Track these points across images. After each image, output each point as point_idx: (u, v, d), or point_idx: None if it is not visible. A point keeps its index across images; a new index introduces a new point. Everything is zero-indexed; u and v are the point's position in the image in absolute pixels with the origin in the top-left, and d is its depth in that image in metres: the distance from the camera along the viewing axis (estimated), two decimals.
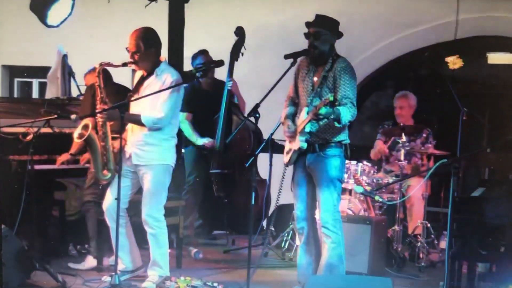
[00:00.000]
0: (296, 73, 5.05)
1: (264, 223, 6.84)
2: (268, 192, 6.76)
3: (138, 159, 5.05)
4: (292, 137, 4.93)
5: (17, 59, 9.21)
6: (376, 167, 6.70)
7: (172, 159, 5.12)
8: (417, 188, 6.49)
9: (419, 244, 6.26)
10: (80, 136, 5.09)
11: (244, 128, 6.77)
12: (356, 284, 4.25)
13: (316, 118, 4.60)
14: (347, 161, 5.46)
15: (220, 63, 5.23)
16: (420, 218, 6.46)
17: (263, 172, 7.01)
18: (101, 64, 5.06)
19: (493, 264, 5.01)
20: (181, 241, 5.92)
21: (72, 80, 6.99)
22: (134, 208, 5.21)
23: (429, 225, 6.43)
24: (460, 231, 4.57)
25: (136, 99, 4.99)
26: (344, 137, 4.89)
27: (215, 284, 4.70)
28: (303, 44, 4.94)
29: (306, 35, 4.91)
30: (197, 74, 5.12)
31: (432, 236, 6.48)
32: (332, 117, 4.57)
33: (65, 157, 5.72)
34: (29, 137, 5.56)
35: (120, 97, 5.24)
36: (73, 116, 5.14)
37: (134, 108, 5.06)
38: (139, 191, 5.18)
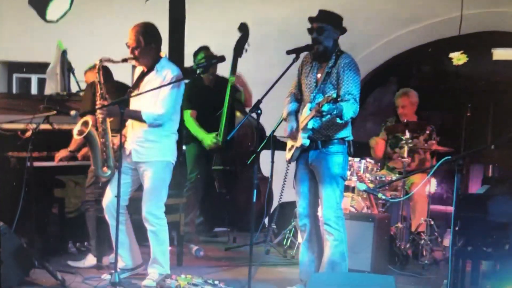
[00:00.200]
0: (300, 69, 5.02)
1: (266, 220, 6.80)
2: (270, 189, 6.74)
3: (138, 156, 5.01)
4: (295, 134, 4.88)
5: (15, 54, 9.19)
6: (379, 164, 6.67)
7: (173, 155, 5.08)
8: (420, 186, 6.46)
9: (422, 241, 6.24)
10: (80, 132, 5.06)
11: (247, 124, 6.75)
12: (359, 282, 4.21)
13: (319, 115, 4.56)
14: (350, 158, 5.41)
15: (221, 58, 5.19)
16: (423, 216, 6.42)
17: (265, 169, 6.99)
18: (101, 60, 5.03)
19: (497, 262, 4.97)
20: (182, 239, 5.89)
21: (71, 76, 6.95)
22: (134, 205, 5.17)
23: (432, 222, 6.40)
24: (464, 229, 4.53)
25: (136, 95, 4.96)
26: (347, 133, 4.85)
27: (216, 282, 4.67)
28: (306, 39, 4.89)
29: (309, 31, 4.87)
30: (198, 70, 5.08)
31: (436, 233, 6.44)
32: (334, 113, 4.53)
33: (63, 153, 5.69)
34: (28, 134, 5.55)
35: (120, 93, 5.20)
36: (72, 113, 5.11)
37: (134, 104, 5.02)
38: (139, 188, 5.15)
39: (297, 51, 4.77)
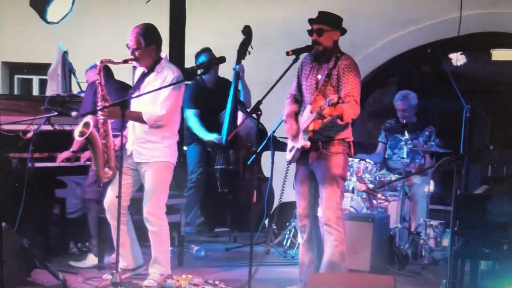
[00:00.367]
0: (299, 70, 5.03)
1: (266, 221, 6.82)
2: (271, 189, 6.76)
3: (139, 157, 5.02)
4: (295, 135, 4.89)
5: (17, 55, 9.19)
6: (378, 164, 6.67)
7: (174, 156, 5.09)
8: (420, 186, 6.49)
9: (421, 241, 6.24)
10: (81, 134, 5.07)
11: (249, 125, 6.78)
12: (358, 282, 4.22)
13: (320, 118, 4.56)
14: (349, 159, 5.42)
15: (221, 60, 5.19)
16: (423, 216, 6.43)
17: (267, 170, 7.00)
18: (101, 61, 5.03)
19: (496, 262, 4.98)
20: (183, 239, 5.90)
21: (72, 77, 6.97)
22: (135, 206, 5.19)
23: (431, 222, 6.41)
24: (463, 229, 4.55)
25: (137, 96, 4.97)
26: (347, 134, 4.86)
27: (217, 282, 4.65)
28: (306, 40, 4.91)
29: (309, 32, 4.88)
30: (199, 71, 5.09)
31: (435, 233, 6.45)
32: (335, 114, 4.54)
33: (66, 154, 5.69)
34: (30, 135, 5.55)
35: (121, 94, 5.21)
36: (73, 114, 5.12)
37: (135, 105, 5.03)
38: (140, 188, 5.15)
39: (297, 52, 4.79)
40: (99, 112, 4.98)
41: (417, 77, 10.16)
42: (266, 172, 7.23)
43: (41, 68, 8.35)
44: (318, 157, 4.84)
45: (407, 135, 6.37)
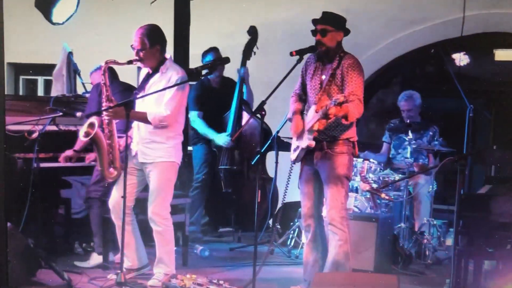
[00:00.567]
0: (304, 70, 5.04)
1: (271, 220, 6.83)
2: (275, 189, 6.77)
3: (144, 157, 5.04)
4: (300, 134, 4.90)
5: (22, 56, 9.19)
6: (382, 164, 6.68)
7: (178, 157, 5.11)
8: (423, 186, 6.49)
9: (425, 241, 6.25)
10: (86, 134, 5.08)
11: (253, 125, 6.79)
12: (362, 281, 4.24)
13: (325, 118, 4.57)
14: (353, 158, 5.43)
15: (226, 60, 5.21)
16: (426, 216, 6.44)
17: (271, 170, 7.02)
18: (106, 62, 5.04)
19: (499, 261, 4.98)
20: (187, 239, 5.92)
21: (77, 77, 6.99)
22: (140, 206, 5.21)
23: (435, 222, 6.41)
24: (467, 229, 4.56)
25: (142, 96, 4.99)
26: (352, 134, 4.87)
27: (221, 282, 4.68)
28: (310, 41, 4.92)
29: (313, 32, 4.89)
30: (203, 72, 5.10)
31: (439, 233, 6.46)
32: (341, 114, 4.55)
33: (69, 153, 5.70)
34: (35, 135, 5.57)
35: (126, 95, 5.23)
36: (78, 114, 5.13)
37: (140, 106, 5.05)
38: (145, 188, 5.17)
39: (301, 53, 4.81)
40: (104, 113, 4.99)
41: (420, 78, 10.16)
42: (271, 172, 7.25)
43: (46, 69, 8.39)
44: (323, 157, 4.84)
45: (411, 135, 6.38)
